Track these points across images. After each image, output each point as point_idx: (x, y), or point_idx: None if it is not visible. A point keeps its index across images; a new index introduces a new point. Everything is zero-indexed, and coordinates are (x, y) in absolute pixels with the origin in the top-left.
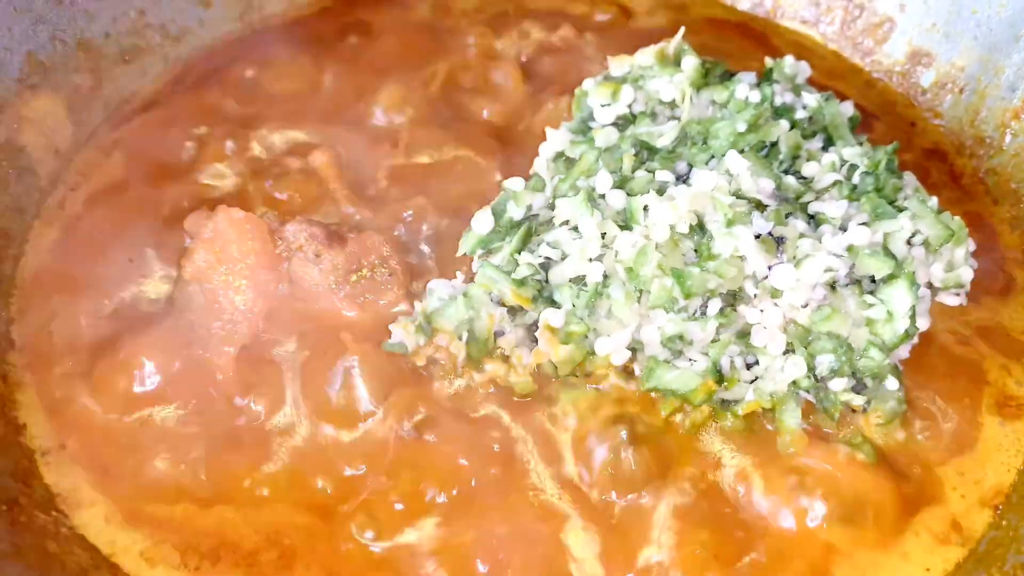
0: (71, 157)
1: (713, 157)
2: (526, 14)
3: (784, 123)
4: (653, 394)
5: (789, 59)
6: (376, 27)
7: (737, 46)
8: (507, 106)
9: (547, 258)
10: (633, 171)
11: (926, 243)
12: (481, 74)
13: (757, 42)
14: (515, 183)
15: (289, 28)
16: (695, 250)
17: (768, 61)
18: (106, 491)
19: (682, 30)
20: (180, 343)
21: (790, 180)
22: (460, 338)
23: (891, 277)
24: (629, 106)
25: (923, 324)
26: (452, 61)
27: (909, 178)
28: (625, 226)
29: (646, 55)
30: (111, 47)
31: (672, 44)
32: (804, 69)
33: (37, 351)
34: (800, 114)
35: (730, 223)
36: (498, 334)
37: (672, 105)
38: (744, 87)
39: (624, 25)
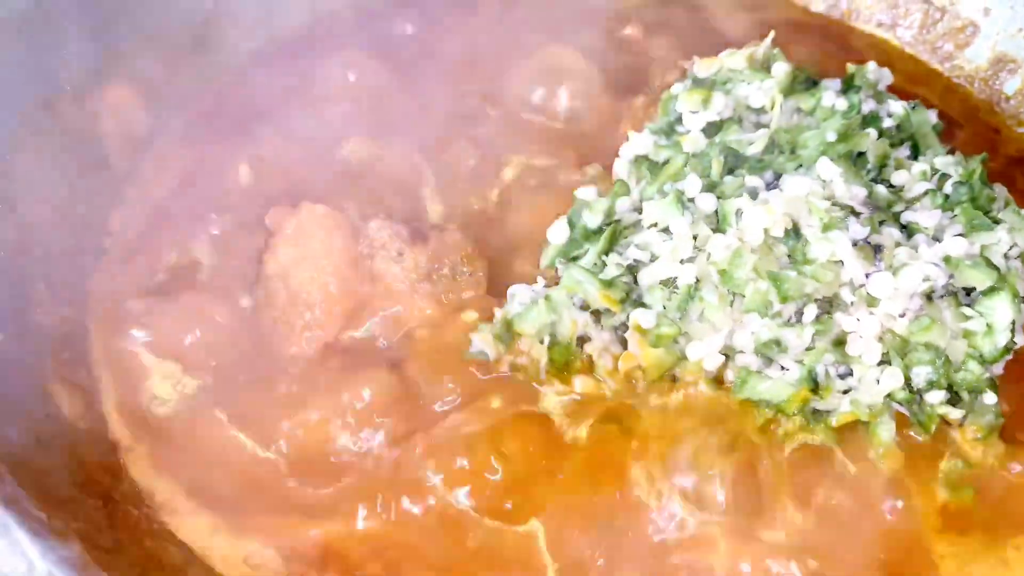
0: (147, 147)
1: (801, 166)
2: None
3: (873, 132)
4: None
5: (872, 65)
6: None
7: (816, 49)
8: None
9: (636, 260)
10: (721, 177)
11: (1023, 256)
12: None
13: (836, 45)
14: (587, 192)
15: (360, 21)
16: (789, 255)
17: (850, 67)
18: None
19: (772, 34)
20: (262, 340)
21: (881, 189)
22: (542, 342)
23: (992, 289)
24: (718, 112)
25: (1022, 339)
26: None
27: (1000, 190)
28: (717, 229)
29: (736, 58)
30: (184, 37)
31: (762, 48)
32: (886, 76)
33: (117, 349)
34: (887, 122)
35: (826, 228)
36: (582, 340)
37: (759, 111)
38: (831, 95)
39: (700, 25)
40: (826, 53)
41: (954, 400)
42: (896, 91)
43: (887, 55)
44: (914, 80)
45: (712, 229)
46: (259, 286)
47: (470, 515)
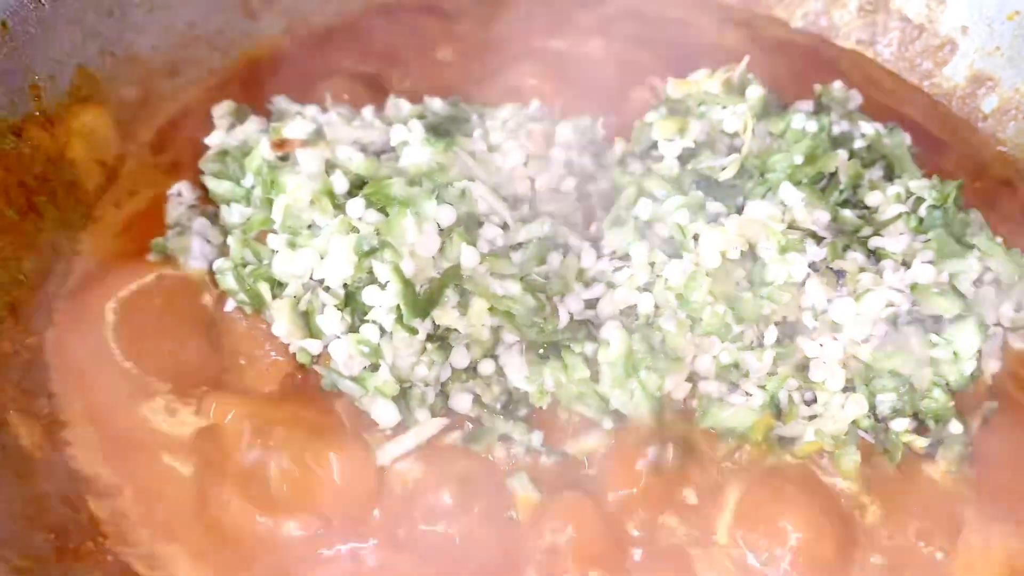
0: (118, 170)
1: (770, 190)
2: None
3: (842, 153)
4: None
5: (838, 84)
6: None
7: (799, 66)
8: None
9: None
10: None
11: (996, 281)
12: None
13: (818, 62)
14: None
15: (336, 36)
16: (748, 279)
17: (816, 87)
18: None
19: (746, 59)
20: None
21: (847, 213)
22: None
23: (959, 317)
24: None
25: (994, 365)
26: None
27: (975, 215)
28: (674, 255)
29: (712, 82)
30: (159, 59)
31: (737, 72)
32: (855, 96)
33: (83, 372)
34: (858, 143)
35: (783, 250)
36: None
37: (733, 135)
38: (801, 117)
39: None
40: (807, 70)
41: (921, 429)
42: (880, 108)
43: (869, 72)
44: (897, 97)
45: (669, 255)
46: (217, 311)
47: None
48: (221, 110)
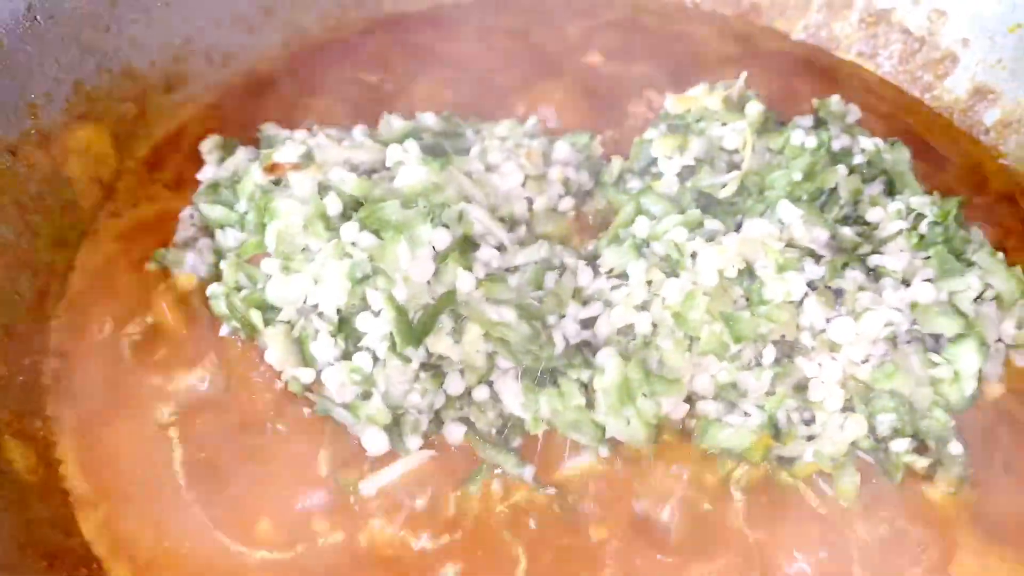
0: (114, 187)
1: (769, 207)
2: None
3: (842, 168)
4: None
5: (835, 98)
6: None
7: (798, 79)
8: None
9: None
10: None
11: (998, 298)
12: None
13: (819, 75)
14: None
15: (334, 51)
16: (746, 297)
17: (815, 101)
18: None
19: (744, 74)
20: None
21: (846, 231)
22: None
23: (960, 336)
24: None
25: (996, 384)
26: None
27: (976, 232)
28: (672, 274)
29: (712, 99)
30: (156, 75)
31: (736, 88)
32: (854, 111)
33: (79, 392)
34: (858, 158)
35: (781, 268)
36: None
37: (732, 152)
38: (800, 133)
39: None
40: (807, 83)
41: (921, 449)
42: (880, 121)
43: (870, 84)
44: (898, 110)
45: (666, 274)
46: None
47: None
48: (209, 145)
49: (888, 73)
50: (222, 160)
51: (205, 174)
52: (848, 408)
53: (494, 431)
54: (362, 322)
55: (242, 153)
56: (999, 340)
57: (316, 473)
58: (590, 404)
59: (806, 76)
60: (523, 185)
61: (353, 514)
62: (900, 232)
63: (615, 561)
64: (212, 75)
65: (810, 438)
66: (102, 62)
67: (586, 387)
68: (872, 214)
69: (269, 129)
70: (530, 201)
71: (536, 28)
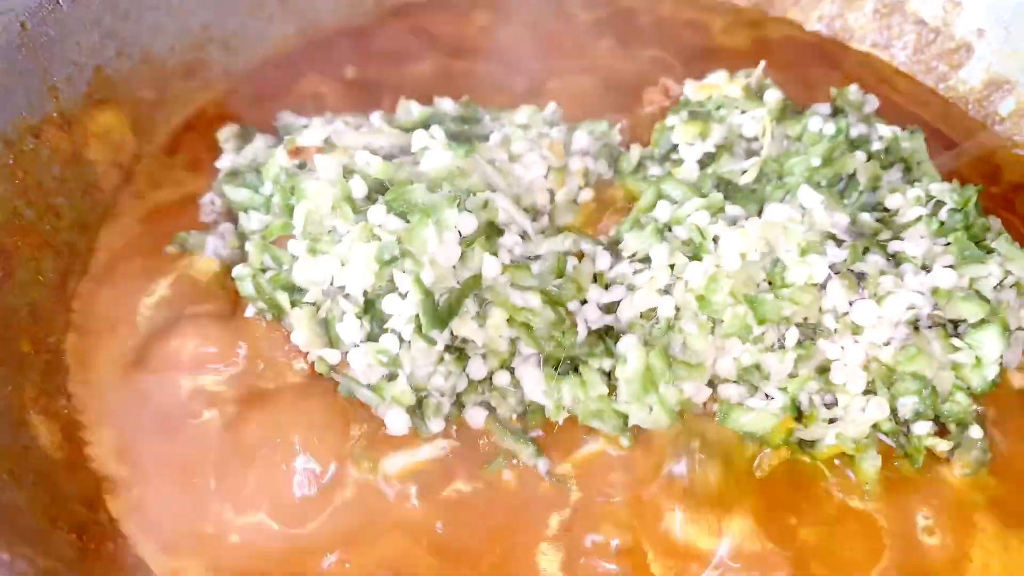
0: (133, 170)
1: (788, 193)
2: None
3: (860, 154)
4: None
5: (853, 87)
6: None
7: (812, 68)
8: None
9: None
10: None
11: (1018, 285)
12: None
13: (832, 65)
14: None
15: (349, 39)
16: (768, 281)
17: (832, 90)
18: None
19: (762, 64)
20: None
21: (866, 217)
22: None
23: (982, 322)
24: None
25: (1017, 375)
26: None
27: (994, 222)
28: (695, 258)
29: (733, 87)
30: (174, 61)
31: (754, 76)
32: (871, 100)
33: (101, 371)
34: (876, 145)
35: (804, 252)
36: None
37: (751, 139)
38: (818, 120)
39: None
40: (822, 72)
41: (942, 432)
42: (895, 111)
43: (884, 75)
44: (913, 100)
45: (689, 257)
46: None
47: None
48: (226, 133)
49: (903, 63)
50: (239, 148)
51: (224, 162)
52: (870, 391)
53: (514, 417)
54: (388, 304)
55: (260, 140)
56: (1019, 327)
57: (339, 452)
58: (612, 393)
59: (820, 66)
60: (546, 177)
61: (373, 492)
62: (920, 219)
63: None
64: (229, 62)
65: (832, 421)
66: (122, 48)
67: (608, 375)
68: (891, 200)
69: (285, 117)
70: (552, 193)
71: (550, 15)
